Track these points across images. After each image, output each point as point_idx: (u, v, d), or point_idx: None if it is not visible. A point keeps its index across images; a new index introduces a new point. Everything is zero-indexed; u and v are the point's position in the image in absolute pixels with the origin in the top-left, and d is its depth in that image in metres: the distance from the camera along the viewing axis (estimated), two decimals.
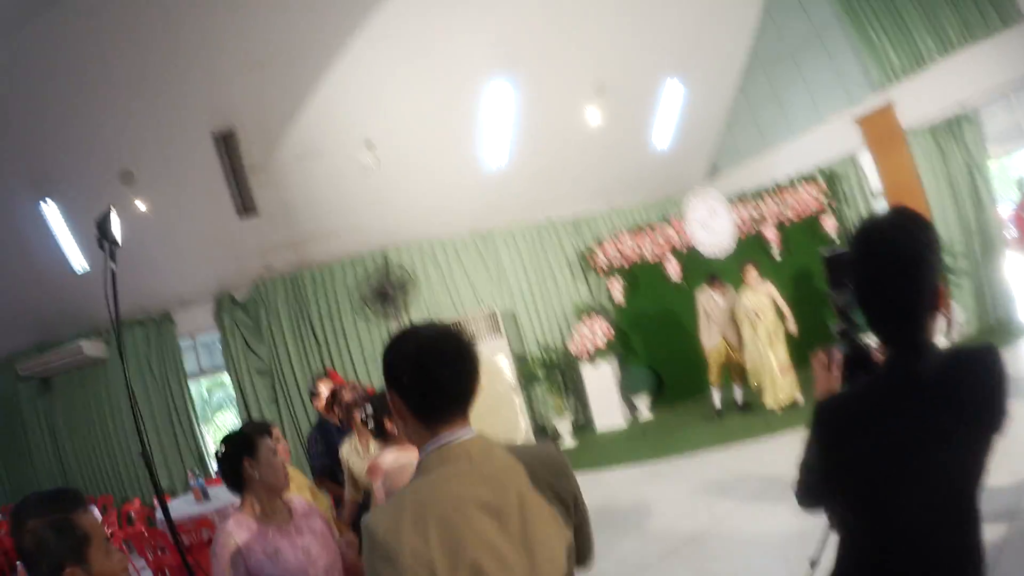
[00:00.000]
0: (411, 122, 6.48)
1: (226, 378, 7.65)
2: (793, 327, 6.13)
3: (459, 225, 7.73)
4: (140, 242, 5.20)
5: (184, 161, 5.88)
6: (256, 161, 6.12)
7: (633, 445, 6.45)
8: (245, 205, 6.25)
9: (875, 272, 1.13)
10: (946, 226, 7.40)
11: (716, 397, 6.49)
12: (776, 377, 6.03)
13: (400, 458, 2.06)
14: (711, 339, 6.40)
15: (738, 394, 6.49)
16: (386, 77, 6.06)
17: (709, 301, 6.47)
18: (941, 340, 6.83)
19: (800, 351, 5.95)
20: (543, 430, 7.76)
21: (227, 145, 5.90)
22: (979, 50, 6.96)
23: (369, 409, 2.27)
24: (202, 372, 7.89)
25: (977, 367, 1.11)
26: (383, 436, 2.25)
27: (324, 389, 3.69)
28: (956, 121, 7.25)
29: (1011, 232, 9.23)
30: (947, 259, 7.14)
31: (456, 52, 6.28)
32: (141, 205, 5.74)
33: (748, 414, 6.26)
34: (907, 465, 1.07)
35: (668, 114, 8.98)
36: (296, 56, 5.63)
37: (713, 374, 6.44)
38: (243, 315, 7.11)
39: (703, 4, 8.05)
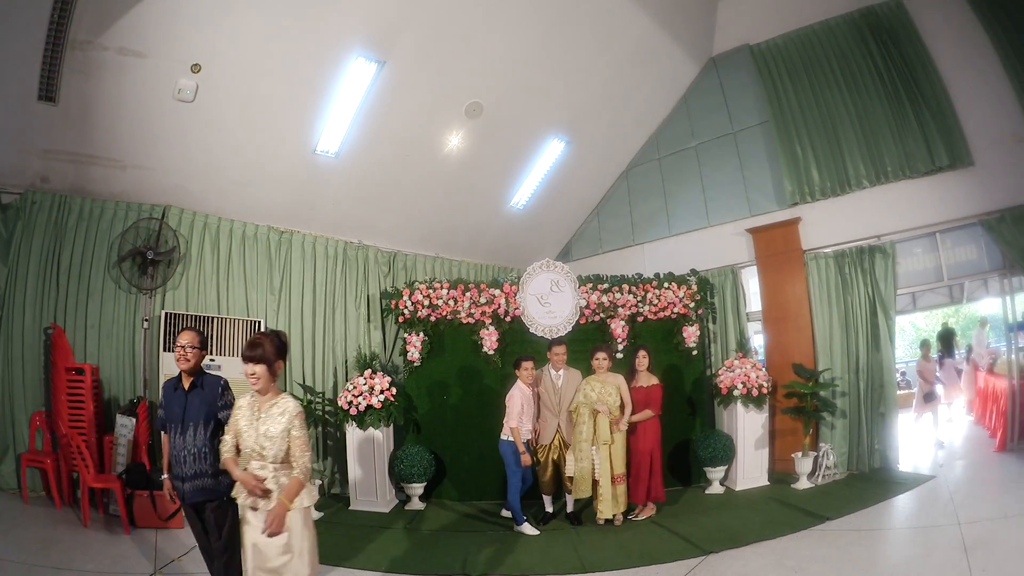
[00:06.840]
0: (249, 65, 5.31)
1: None
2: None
3: (258, 210, 6.32)
4: None
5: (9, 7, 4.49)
6: (80, 36, 4.76)
7: (392, 540, 4.86)
8: (48, 88, 4.92)
9: None
10: (830, 358, 6.61)
11: (547, 500, 5.39)
12: (607, 484, 5.08)
13: None
14: (546, 431, 5.32)
15: (569, 502, 5.39)
16: (244, 4, 4.96)
17: (547, 381, 5.35)
18: (804, 483, 5.97)
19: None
20: None
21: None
22: (913, 186, 6.51)
23: None
24: None
25: None
26: None
27: None
28: (868, 251, 6.55)
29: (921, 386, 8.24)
30: (825, 395, 6.39)
31: (332, 10, 5.30)
32: None
33: (579, 528, 5.13)
34: None
35: (537, 174, 8.02)
36: None
37: (545, 475, 5.27)
38: (1, 223, 5.28)
39: (613, 72, 7.33)
